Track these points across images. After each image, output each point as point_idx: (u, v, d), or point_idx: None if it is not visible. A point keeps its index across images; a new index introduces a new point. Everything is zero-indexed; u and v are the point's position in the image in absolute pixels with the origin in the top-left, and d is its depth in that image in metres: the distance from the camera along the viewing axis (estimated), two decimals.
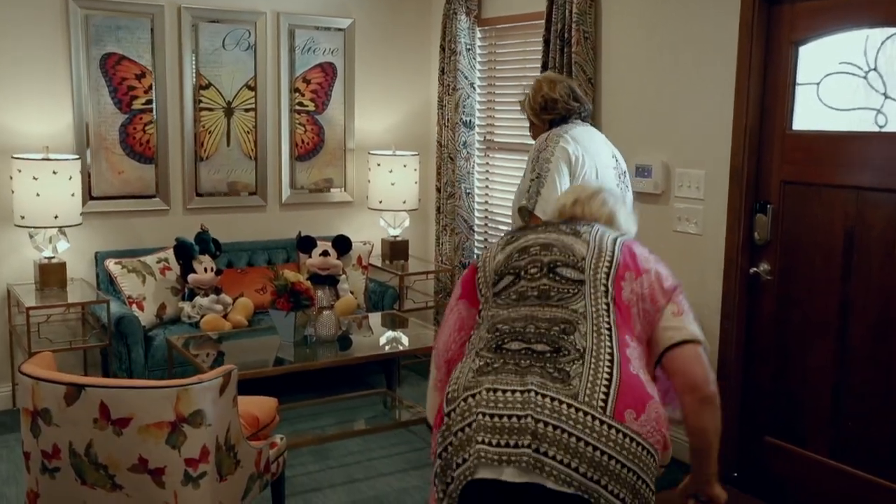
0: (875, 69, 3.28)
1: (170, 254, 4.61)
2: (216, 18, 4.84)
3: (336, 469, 3.88)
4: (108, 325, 4.20)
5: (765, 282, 3.70)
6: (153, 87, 4.71)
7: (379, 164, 5.21)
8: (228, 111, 4.96)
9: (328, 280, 4.78)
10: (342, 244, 4.92)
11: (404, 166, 5.21)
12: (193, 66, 4.81)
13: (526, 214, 3.35)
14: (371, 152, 5.30)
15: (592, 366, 1.90)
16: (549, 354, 1.94)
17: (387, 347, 4.35)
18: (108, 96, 4.59)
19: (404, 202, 5.25)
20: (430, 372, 2.39)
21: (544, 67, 4.43)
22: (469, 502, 1.92)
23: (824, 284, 3.46)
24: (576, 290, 2.03)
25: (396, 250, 5.40)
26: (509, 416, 1.85)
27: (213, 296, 4.52)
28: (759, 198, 3.69)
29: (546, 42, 4.41)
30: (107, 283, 4.59)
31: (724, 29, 3.69)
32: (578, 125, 3.45)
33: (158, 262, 4.58)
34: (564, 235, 2.15)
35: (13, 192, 4.20)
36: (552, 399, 1.85)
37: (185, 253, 4.52)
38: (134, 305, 4.39)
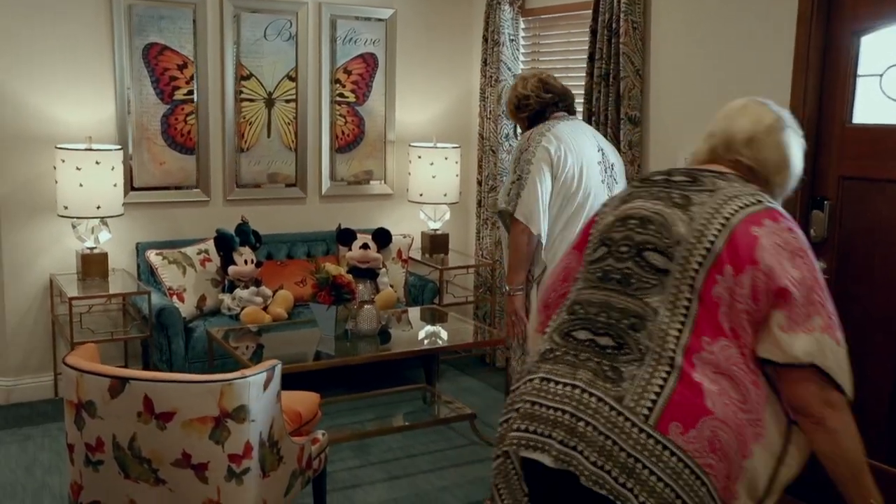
0: None
1: (210, 245, 4.59)
2: (258, 8, 4.80)
3: (376, 465, 3.83)
4: (149, 316, 4.18)
5: None
6: (195, 78, 4.68)
7: (420, 157, 5.14)
8: (269, 102, 4.93)
9: (368, 273, 4.73)
10: (382, 237, 4.87)
11: (445, 159, 5.14)
12: (235, 57, 4.78)
13: (507, 217, 3.29)
14: (412, 144, 5.24)
15: (650, 369, 1.78)
16: (609, 350, 1.84)
17: (426, 343, 4.28)
18: (151, 87, 4.57)
19: (445, 195, 5.18)
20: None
21: (591, 59, 4.33)
22: (527, 476, 1.92)
23: (886, 284, 3.33)
24: (656, 282, 1.85)
25: (436, 244, 5.33)
26: (553, 408, 1.82)
27: (253, 288, 4.49)
28: (815, 194, 3.56)
29: (593, 32, 4.31)
30: (147, 274, 4.58)
31: (781, 18, 3.56)
32: (563, 120, 3.39)
33: (199, 253, 4.56)
34: (671, 207, 1.91)
35: (56, 182, 4.19)
36: (598, 399, 1.77)
37: (225, 245, 4.49)
38: (174, 297, 4.37)
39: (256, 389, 2.60)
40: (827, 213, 3.52)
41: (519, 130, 3.68)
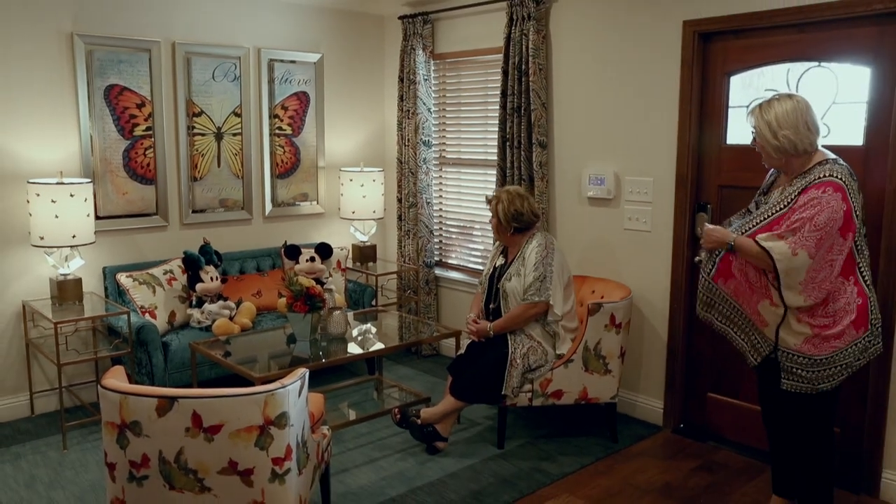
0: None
1: (173, 265, 4.20)
2: (206, 53, 4.44)
3: (354, 451, 3.62)
4: (128, 334, 3.77)
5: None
6: (152, 115, 4.26)
7: (351, 180, 4.95)
8: (218, 136, 4.57)
9: (316, 283, 4.48)
10: (325, 250, 4.64)
11: (373, 181, 4.97)
12: (187, 96, 4.39)
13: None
14: (343, 169, 5.03)
15: None
16: None
17: (399, 338, 4.10)
18: (112, 124, 4.12)
19: (374, 212, 5.02)
20: None
21: (503, 94, 4.31)
22: None
23: None
24: None
25: (365, 254, 5.15)
26: None
27: (220, 301, 4.15)
28: (699, 200, 3.72)
29: (504, 73, 4.29)
30: (115, 295, 4.13)
31: (667, 61, 3.69)
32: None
33: (164, 273, 4.16)
34: None
35: (30, 214, 3.68)
36: None
37: (193, 264, 4.13)
38: (147, 314, 3.96)
39: (293, 396, 2.39)
40: (710, 214, 3.68)
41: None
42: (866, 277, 2.56)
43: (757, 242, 2.53)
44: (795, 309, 2.54)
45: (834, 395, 2.63)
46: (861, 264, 2.55)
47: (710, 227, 2.69)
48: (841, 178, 2.49)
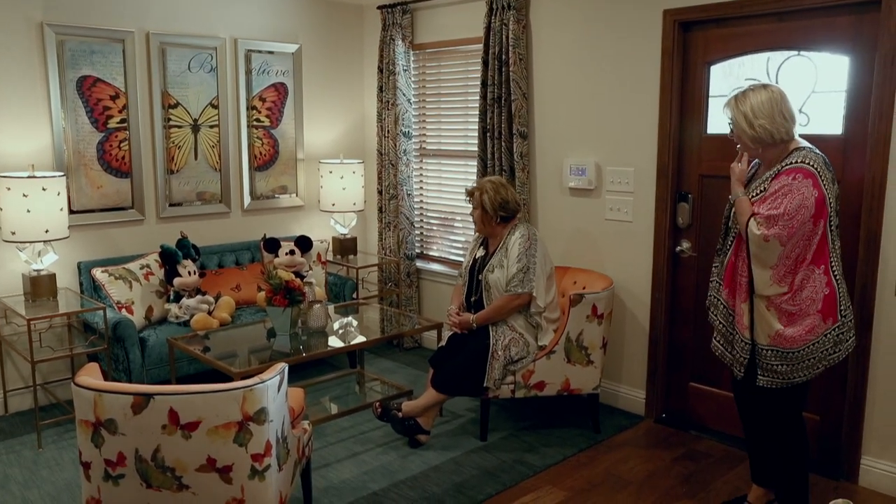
0: (777, 84, 3.34)
1: (150, 260, 4.13)
2: (181, 44, 4.35)
3: (336, 445, 3.59)
4: (105, 330, 3.70)
5: (687, 258, 3.74)
6: (127, 107, 4.18)
7: (331, 172, 4.89)
8: (195, 128, 4.49)
9: (296, 276, 4.43)
10: (305, 243, 4.59)
11: (353, 173, 4.92)
12: (162, 87, 4.31)
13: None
14: (322, 161, 4.97)
15: None
16: None
17: (377, 332, 4.04)
18: (85, 116, 4.03)
19: (354, 204, 4.97)
20: None
21: (483, 84, 4.28)
22: None
23: None
24: None
25: (346, 246, 5.10)
26: None
27: (198, 296, 4.09)
28: (680, 189, 3.72)
29: (485, 63, 4.26)
30: (91, 290, 4.06)
31: (647, 50, 3.67)
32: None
33: (141, 268, 4.09)
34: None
35: (1, 209, 3.59)
36: None
37: (170, 259, 4.06)
38: (123, 310, 3.89)
39: (272, 392, 2.35)
40: (691, 204, 3.68)
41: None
42: (835, 270, 2.56)
43: (748, 220, 2.56)
44: (764, 297, 2.55)
45: (806, 384, 2.64)
46: (832, 255, 2.56)
47: (738, 169, 2.68)
48: (813, 165, 2.50)
